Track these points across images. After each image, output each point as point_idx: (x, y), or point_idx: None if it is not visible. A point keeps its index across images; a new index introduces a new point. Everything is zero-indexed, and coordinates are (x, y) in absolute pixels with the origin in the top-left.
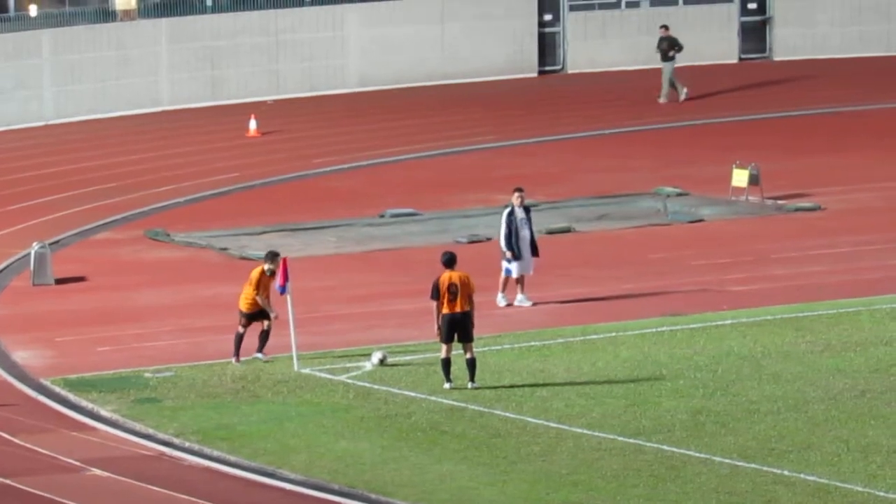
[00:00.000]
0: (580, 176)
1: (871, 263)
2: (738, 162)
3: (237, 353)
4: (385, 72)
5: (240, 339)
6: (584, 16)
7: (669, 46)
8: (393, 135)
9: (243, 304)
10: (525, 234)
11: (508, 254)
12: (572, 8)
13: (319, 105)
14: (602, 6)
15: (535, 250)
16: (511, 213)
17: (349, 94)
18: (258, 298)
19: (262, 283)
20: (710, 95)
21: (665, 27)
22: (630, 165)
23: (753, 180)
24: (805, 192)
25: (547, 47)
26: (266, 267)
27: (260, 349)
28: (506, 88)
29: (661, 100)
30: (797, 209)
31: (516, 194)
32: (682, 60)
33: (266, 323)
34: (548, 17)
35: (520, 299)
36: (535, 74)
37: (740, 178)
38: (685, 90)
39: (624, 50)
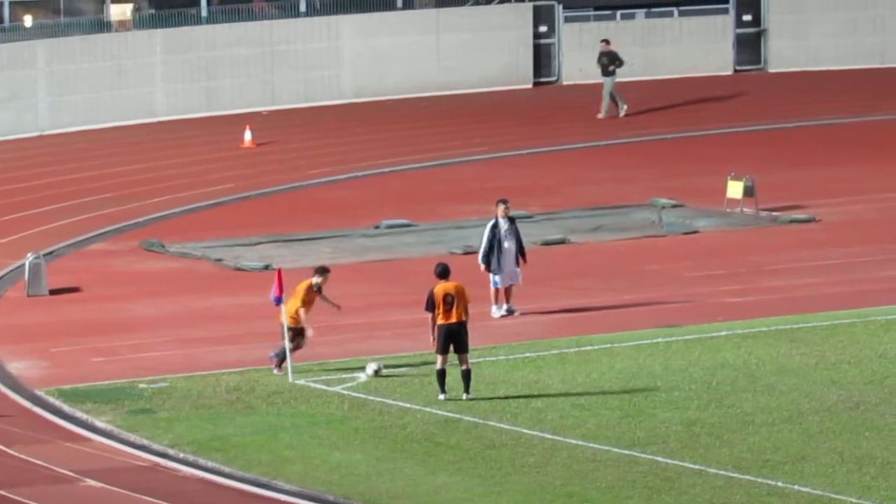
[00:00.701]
0: (575, 187)
1: (865, 275)
2: (732, 173)
3: (279, 365)
4: (380, 83)
5: (284, 352)
6: (580, 27)
7: (610, 61)
8: (388, 146)
9: (287, 318)
10: (508, 245)
11: (482, 267)
12: (567, 19)
13: (314, 116)
14: (597, 18)
15: (522, 258)
16: (495, 226)
17: (344, 104)
18: (300, 312)
19: (308, 299)
20: (705, 107)
21: (606, 41)
22: (625, 177)
23: (748, 192)
24: (800, 203)
25: (542, 58)
26: (314, 281)
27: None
28: (501, 99)
29: (601, 115)
30: (792, 221)
31: (500, 206)
32: (678, 71)
33: (299, 340)
34: (543, 29)
35: (506, 308)
36: (530, 86)
37: (735, 189)
38: (625, 106)
39: (641, 60)
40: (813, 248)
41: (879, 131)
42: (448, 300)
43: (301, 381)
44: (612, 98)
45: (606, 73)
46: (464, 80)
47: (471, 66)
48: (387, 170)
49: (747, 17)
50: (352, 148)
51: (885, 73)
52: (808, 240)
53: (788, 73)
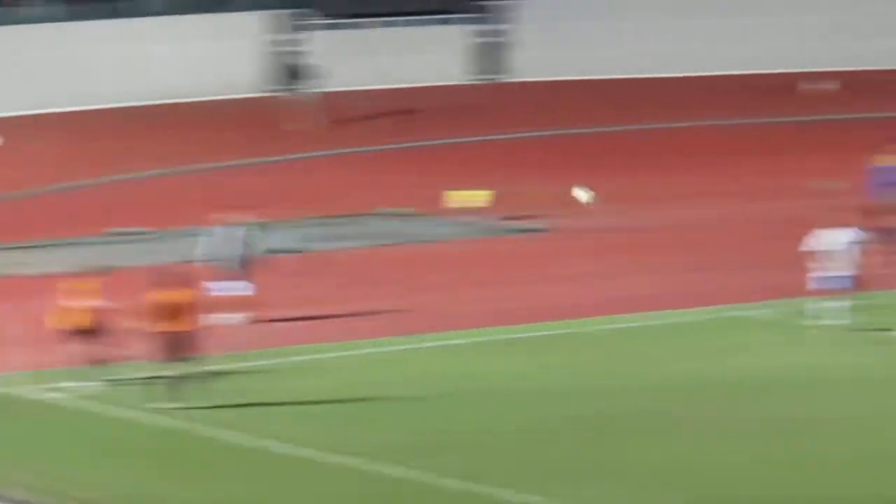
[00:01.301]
0: (312, 196)
1: (597, 284)
2: (467, 185)
3: None
4: (137, 89)
5: None
6: (314, 34)
7: (301, 72)
8: (132, 154)
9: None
10: (239, 253)
11: (235, 274)
12: (299, 28)
13: (55, 123)
14: (348, 25)
15: (248, 269)
16: (230, 233)
17: (98, 110)
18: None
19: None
20: (442, 117)
21: (297, 52)
22: (363, 184)
23: (487, 201)
24: (537, 213)
25: (284, 67)
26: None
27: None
28: (248, 107)
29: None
30: (525, 230)
31: (229, 215)
32: (413, 81)
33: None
34: (285, 37)
35: (235, 316)
36: (259, 94)
37: (472, 199)
38: (295, 126)
39: (373, 70)
40: (546, 258)
41: (618, 142)
42: (173, 308)
43: (22, 390)
44: (303, 107)
45: (302, 83)
46: (194, 89)
47: (207, 74)
48: (124, 177)
49: (489, 27)
50: (96, 156)
51: (623, 84)
52: (540, 249)
53: (533, 83)
